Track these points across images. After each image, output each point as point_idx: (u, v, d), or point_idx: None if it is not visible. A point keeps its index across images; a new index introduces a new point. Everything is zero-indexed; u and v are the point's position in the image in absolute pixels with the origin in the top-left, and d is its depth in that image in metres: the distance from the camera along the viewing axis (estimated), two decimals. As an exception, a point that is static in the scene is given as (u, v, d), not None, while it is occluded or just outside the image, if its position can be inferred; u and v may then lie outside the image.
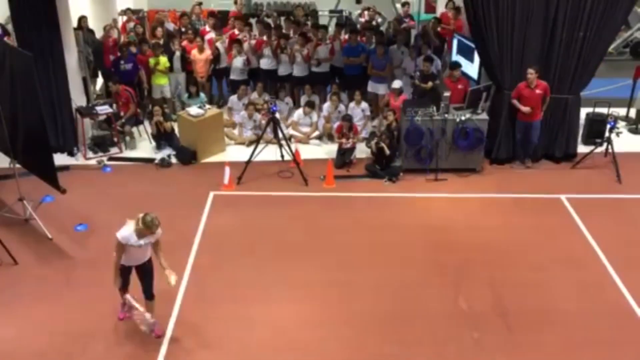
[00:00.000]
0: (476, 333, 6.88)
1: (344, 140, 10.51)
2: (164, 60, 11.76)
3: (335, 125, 10.98)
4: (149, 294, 6.65)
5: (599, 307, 7.29)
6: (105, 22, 13.12)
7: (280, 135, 10.18)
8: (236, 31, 12.72)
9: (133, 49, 11.83)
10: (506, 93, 10.23)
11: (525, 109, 9.94)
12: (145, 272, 6.54)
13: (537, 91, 9.88)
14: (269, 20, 13.68)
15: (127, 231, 6.25)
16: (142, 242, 6.29)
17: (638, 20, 16.30)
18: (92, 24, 13.09)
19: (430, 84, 10.92)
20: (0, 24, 12.85)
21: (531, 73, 9.74)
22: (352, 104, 11.43)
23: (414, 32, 13.90)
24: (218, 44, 12.44)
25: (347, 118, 10.58)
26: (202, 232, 8.69)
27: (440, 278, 7.78)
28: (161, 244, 6.45)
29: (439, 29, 13.03)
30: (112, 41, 12.29)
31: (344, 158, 10.51)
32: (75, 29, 11.58)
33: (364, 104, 11.38)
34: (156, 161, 10.66)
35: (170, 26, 13.54)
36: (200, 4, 14.37)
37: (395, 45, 12.02)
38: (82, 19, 12.56)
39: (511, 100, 10.09)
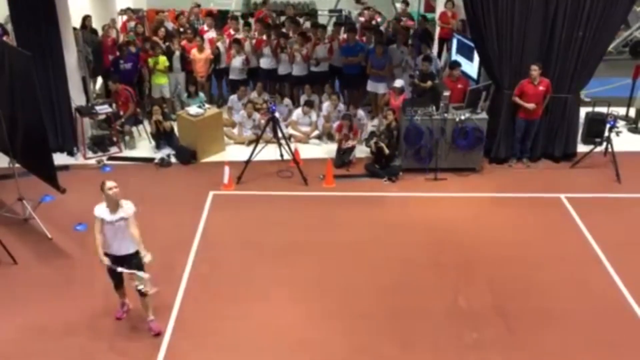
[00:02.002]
0: (475, 333, 6.88)
1: (343, 141, 10.48)
2: (163, 59, 11.75)
3: (335, 124, 10.98)
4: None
5: (598, 306, 7.29)
6: (105, 22, 13.13)
7: (280, 134, 10.17)
8: (231, 31, 12.70)
9: (132, 49, 11.82)
10: (505, 92, 10.23)
11: (530, 105, 9.93)
12: (131, 267, 6.42)
13: (540, 88, 9.89)
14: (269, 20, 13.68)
15: (99, 208, 6.37)
16: (114, 217, 6.30)
17: (637, 19, 16.31)
18: (91, 23, 13.07)
19: (429, 83, 10.91)
20: None
21: (535, 69, 9.74)
22: None
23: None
24: (219, 44, 12.43)
25: (347, 117, 10.55)
26: (202, 232, 8.68)
27: (439, 277, 7.78)
28: (134, 222, 6.40)
29: (438, 28, 13.04)
30: (111, 41, 12.28)
31: (343, 158, 10.50)
32: (79, 29, 11.61)
33: (360, 113, 11.27)
34: (156, 161, 10.65)
35: (170, 26, 13.54)
36: (198, 5, 14.35)
37: (394, 45, 12.01)
38: (86, 19, 12.57)
39: (513, 98, 10.09)
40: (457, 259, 8.11)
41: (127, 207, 6.41)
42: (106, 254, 6.41)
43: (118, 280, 6.71)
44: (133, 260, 6.43)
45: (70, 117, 10.75)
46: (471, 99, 10.11)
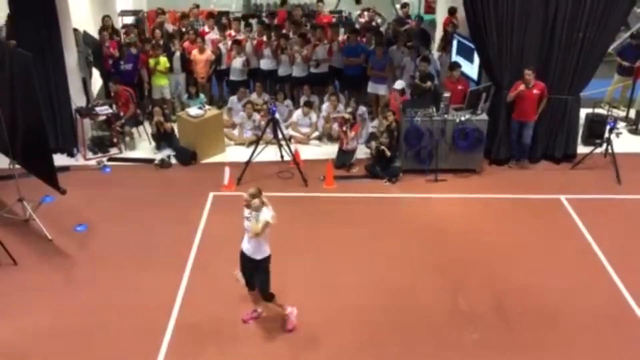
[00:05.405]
0: (476, 334, 6.88)
1: (344, 140, 10.43)
2: (163, 60, 11.75)
3: (335, 125, 10.97)
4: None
5: (598, 307, 7.29)
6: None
7: (280, 135, 10.17)
8: (232, 32, 12.67)
9: (133, 50, 11.80)
10: (505, 93, 10.23)
11: (520, 87, 9.82)
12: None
13: (535, 91, 9.90)
14: (269, 21, 13.67)
15: (268, 212, 6.54)
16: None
17: (637, 20, 16.30)
18: (91, 24, 13.06)
19: (428, 83, 10.91)
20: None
21: (528, 74, 9.75)
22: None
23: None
24: (220, 45, 12.41)
25: (351, 112, 10.45)
26: (202, 233, 8.68)
27: (440, 279, 7.78)
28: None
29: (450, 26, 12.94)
30: (112, 45, 12.11)
31: (344, 159, 10.43)
32: (80, 31, 11.58)
33: (362, 108, 11.23)
34: (156, 162, 10.65)
35: (170, 27, 13.52)
36: (197, 6, 14.34)
37: (395, 46, 12.02)
38: (104, 19, 12.52)
39: (507, 96, 10.05)
40: (458, 260, 8.11)
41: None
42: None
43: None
44: None
45: (70, 118, 10.75)
46: (471, 100, 10.11)
